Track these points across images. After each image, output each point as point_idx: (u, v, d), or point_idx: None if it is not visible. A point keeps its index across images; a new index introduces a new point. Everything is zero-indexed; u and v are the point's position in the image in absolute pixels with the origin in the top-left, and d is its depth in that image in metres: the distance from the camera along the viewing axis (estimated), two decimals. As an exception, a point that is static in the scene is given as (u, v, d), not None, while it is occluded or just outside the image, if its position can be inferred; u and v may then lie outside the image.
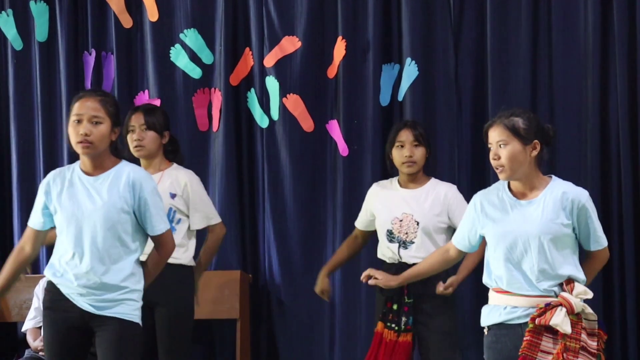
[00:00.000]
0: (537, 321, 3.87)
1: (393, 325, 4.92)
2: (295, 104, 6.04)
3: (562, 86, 5.70)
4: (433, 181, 5.11)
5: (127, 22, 6.31)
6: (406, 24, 5.86)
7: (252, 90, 6.11)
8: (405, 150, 5.02)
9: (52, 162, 6.45)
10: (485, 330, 4.05)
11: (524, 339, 3.88)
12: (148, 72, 6.27)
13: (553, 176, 4.08)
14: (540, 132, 4.04)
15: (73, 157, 6.30)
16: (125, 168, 4.24)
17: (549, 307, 3.88)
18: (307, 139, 6.03)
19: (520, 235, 3.97)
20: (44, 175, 6.38)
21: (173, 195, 5.12)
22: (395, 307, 4.93)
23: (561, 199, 3.99)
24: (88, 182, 4.20)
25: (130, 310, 4.19)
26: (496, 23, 5.77)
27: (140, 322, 4.21)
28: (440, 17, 5.86)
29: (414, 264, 4.82)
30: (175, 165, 5.20)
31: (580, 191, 4.04)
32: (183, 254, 5.08)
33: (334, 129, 6.00)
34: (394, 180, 5.13)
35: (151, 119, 5.13)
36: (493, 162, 4.05)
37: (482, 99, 5.82)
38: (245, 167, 6.14)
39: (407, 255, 4.97)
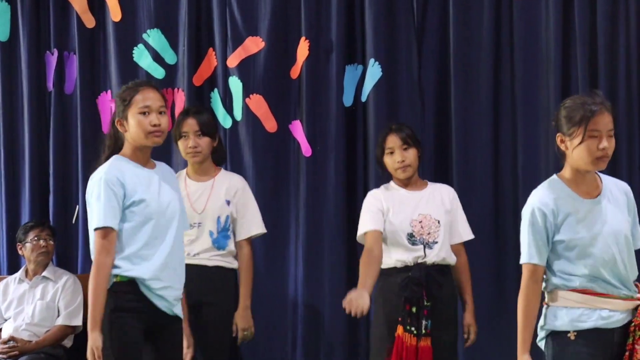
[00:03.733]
0: None
1: (413, 329, 4.78)
2: (259, 104, 6.03)
3: (524, 87, 5.71)
4: (432, 184, 5.13)
5: (89, 21, 6.28)
6: (369, 25, 5.86)
7: (216, 90, 6.10)
8: (396, 155, 5.01)
9: (14, 163, 6.42)
10: (572, 336, 3.73)
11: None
12: (111, 72, 6.25)
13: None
14: None
15: (34, 158, 6.31)
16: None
17: None
18: (270, 139, 6.02)
19: (609, 235, 3.74)
20: (5, 176, 6.41)
21: (228, 202, 5.13)
22: (414, 309, 4.81)
23: (619, 193, 3.84)
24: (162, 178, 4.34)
25: None
26: (459, 25, 5.78)
27: None
28: (404, 18, 5.86)
29: (437, 265, 4.87)
30: (223, 170, 5.26)
31: (626, 184, 3.92)
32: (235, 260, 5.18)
33: (297, 130, 5.99)
34: (391, 184, 5.08)
35: (205, 125, 5.13)
36: (600, 152, 3.73)
37: (445, 100, 5.82)
38: (208, 168, 6.13)
39: (432, 255, 4.89)
